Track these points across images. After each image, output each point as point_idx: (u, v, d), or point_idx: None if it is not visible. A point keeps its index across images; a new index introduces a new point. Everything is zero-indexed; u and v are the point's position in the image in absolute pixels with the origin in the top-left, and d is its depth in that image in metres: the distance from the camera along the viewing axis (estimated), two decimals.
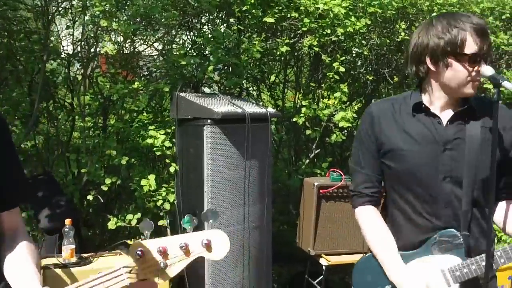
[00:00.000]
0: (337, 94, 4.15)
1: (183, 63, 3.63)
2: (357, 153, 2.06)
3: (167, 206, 3.63)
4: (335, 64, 4.08)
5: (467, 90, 1.86)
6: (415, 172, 1.92)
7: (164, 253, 1.39)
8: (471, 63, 1.81)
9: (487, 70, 1.80)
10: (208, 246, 1.41)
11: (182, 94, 3.46)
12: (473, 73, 1.82)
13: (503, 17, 5.06)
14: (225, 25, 4.28)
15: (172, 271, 1.41)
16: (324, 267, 3.90)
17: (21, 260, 1.54)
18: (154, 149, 3.62)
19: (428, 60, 1.88)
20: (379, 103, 2.08)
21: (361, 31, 4.12)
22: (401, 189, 1.98)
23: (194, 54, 4.08)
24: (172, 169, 3.60)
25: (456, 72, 1.84)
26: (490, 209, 1.82)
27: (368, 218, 2.03)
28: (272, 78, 4.38)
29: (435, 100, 1.94)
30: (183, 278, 3.43)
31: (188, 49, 4.14)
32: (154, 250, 1.39)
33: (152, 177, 3.59)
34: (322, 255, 3.92)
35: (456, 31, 1.81)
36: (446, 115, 1.93)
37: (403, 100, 2.01)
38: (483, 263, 1.87)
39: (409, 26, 4.45)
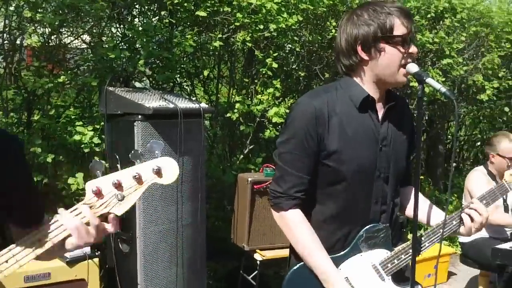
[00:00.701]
0: (270, 90, 4.17)
1: (112, 56, 3.51)
2: (291, 153, 1.89)
3: None
4: (268, 60, 4.09)
5: (400, 79, 1.86)
6: (358, 172, 1.89)
7: (119, 185, 1.45)
8: (403, 44, 1.82)
9: (412, 67, 1.83)
10: (158, 173, 1.49)
11: (111, 88, 3.34)
12: (405, 56, 1.83)
13: (428, 16, 5.27)
14: (157, 18, 4.18)
15: (130, 201, 1.47)
16: (258, 262, 3.92)
17: None
18: (82, 146, 3.48)
19: (359, 49, 1.86)
20: (316, 99, 1.90)
21: (293, 27, 4.15)
22: (338, 189, 1.92)
23: (125, 47, 3.96)
24: None
25: (390, 55, 1.83)
26: (416, 197, 1.87)
27: (299, 222, 1.92)
28: (206, 73, 4.33)
29: (370, 94, 1.92)
30: (115, 278, 3.33)
31: (118, 42, 4.02)
32: (109, 184, 1.45)
33: (80, 175, 3.45)
34: (257, 250, 3.93)
35: (384, 16, 1.82)
36: (380, 112, 1.94)
37: (337, 94, 1.92)
38: (411, 251, 1.93)
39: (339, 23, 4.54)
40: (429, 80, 1.77)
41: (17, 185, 1.52)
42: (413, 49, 1.84)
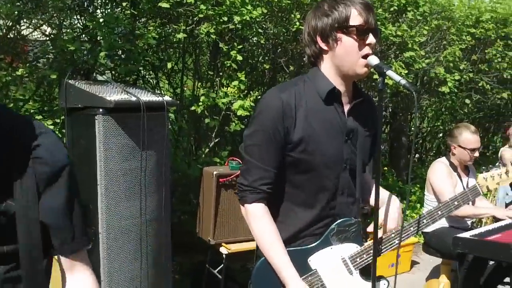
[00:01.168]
0: (235, 83, 4.14)
1: (72, 48, 3.42)
2: (258, 146, 1.88)
3: None
4: (233, 53, 4.06)
5: (359, 70, 1.87)
6: (325, 163, 1.90)
7: None
8: (359, 35, 1.83)
9: (373, 59, 1.84)
10: None
11: (71, 81, 3.26)
12: (363, 47, 1.84)
13: (391, 9, 5.32)
14: (119, 9, 4.09)
15: None
16: (224, 256, 3.91)
17: None
18: None
19: (319, 39, 1.89)
20: (285, 92, 1.89)
21: (258, 19, 4.13)
22: (302, 181, 1.93)
23: (86, 39, 3.86)
24: None
25: (346, 46, 1.85)
26: (377, 193, 1.89)
27: (261, 216, 1.92)
28: (169, 65, 4.27)
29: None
30: None
31: (79, 33, 3.91)
32: None
33: None
34: (222, 243, 3.92)
35: (342, 7, 1.85)
36: (346, 106, 1.96)
37: (304, 86, 1.93)
38: (380, 247, 1.98)
39: (304, 16, 4.54)
40: (389, 73, 1.78)
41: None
42: (370, 39, 1.84)
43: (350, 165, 1.97)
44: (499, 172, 2.69)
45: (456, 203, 2.28)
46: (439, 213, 2.20)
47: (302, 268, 1.92)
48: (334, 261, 1.97)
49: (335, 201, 1.97)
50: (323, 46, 1.90)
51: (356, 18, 1.83)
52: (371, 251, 1.96)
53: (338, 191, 1.96)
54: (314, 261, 1.96)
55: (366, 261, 1.98)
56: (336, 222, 1.97)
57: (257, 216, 1.92)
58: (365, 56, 1.85)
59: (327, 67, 1.93)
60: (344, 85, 1.94)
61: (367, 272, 2.00)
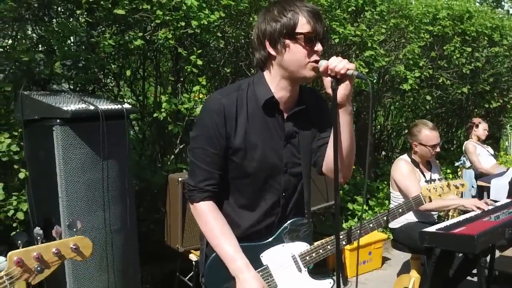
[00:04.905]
0: (196, 88, 4.12)
1: (27, 59, 3.34)
2: (201, 149, 1.95)
3: (20, 216, 3.34)
4: (192, 57, 4.03)
5: (307, 73, 1.89)
6: (264, 169, 1.96)
7: (40, 258, 1.71)
8: (307, 42, 1.86)
9: (322, 63, 1.87)
10: (76, 250, 1.81)
11: (27, 92, 3.19)
12: (310, 53, 1.87)
13: (349, 9, 5.38)
14: (75, 17, 4.02)
15: (49, 272, 1.76)
16: (194, 263, 3.87)
17: None
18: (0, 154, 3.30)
19: (267, 44, 1.91)
20: (226, 96, 1.94)
21: (216, 23, 4.11)
22: (245, 183, 1.98)
23: (41, 49, 3.77)
24: (21, 176, 3.31)
25: (293, 52, 1.87)
26: (337, 194, 1.91)
27: (209, 212, 1.97)
28: (128, 73, 4.21)
29: (278, 91, 1.96)
30: None
31: (34, 44, 3.82)
32: (30, 257, 1.70)
33: None
34: (192, 250, 3.88)
35: (290, 14, 1.87)
36: (286, 111, 1.99)
37: (247, 91, 1.97)
38: (329, 247, 2.06)
39: None
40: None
41: None
42: (318, 47, 1.87)
43: (292, 168, 2.01)
44: (441, 185, 2.79)
45: (400, 210, 2.49)
46: (385, 218, 2.38)
47: (254, 263, 1.98)
48: (284, 258, 2.04)
49: (279, 203, 2.02)
50: (271, 51, 1.91)
51: (304, 26, 1.86)
52: (320, 251, 2.05)
53: (281, 194, 2.02)
54: (266, 257, 2.02)
55: (314, 259, 2.06)
56: (290, 221, 2.04)
57: (205, 212, 1.97)
58: (314, 62, 1.88)
59: (274, 71, 1.95)
60: (289, 90, 1.96)
61: (317, 270, 2.08)
